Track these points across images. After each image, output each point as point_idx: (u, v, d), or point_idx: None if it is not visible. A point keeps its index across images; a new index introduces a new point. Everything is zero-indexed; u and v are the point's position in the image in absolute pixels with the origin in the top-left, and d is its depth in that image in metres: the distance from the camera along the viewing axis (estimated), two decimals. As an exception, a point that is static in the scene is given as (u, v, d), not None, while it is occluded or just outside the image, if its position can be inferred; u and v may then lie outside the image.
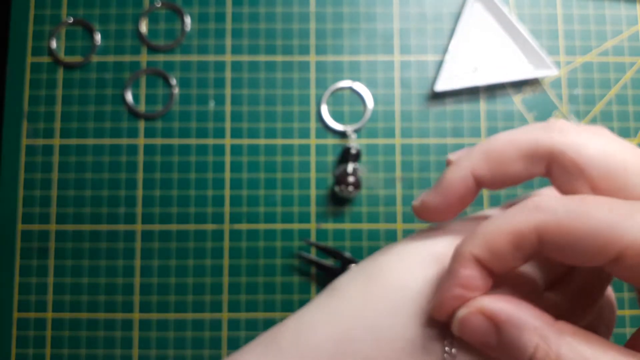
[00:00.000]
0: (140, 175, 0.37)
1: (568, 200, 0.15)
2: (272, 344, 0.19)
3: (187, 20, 0.38)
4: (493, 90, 0.38)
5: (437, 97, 0.38)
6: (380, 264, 0.20)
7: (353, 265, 0.35)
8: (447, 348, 0.17)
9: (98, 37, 0.38)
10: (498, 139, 0.18)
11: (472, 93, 0.38)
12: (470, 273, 0.16)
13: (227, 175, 0.37)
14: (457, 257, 0.17)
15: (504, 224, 0.16)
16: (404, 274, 0.19)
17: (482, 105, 0.38)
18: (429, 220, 0.20)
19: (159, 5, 0.38)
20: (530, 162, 0.18)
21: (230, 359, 0.19)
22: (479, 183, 0.18)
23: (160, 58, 0.38)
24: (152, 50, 0.38)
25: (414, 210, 0.20)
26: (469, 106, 0.38)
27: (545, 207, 0.16)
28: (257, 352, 0.19)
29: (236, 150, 0.37)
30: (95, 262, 0.36)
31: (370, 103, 0.37)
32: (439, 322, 0.17)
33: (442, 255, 0.19)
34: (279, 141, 0.37)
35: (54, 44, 0.38)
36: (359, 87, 0.37)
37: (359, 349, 0.18)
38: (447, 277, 0.17)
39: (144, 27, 0.38)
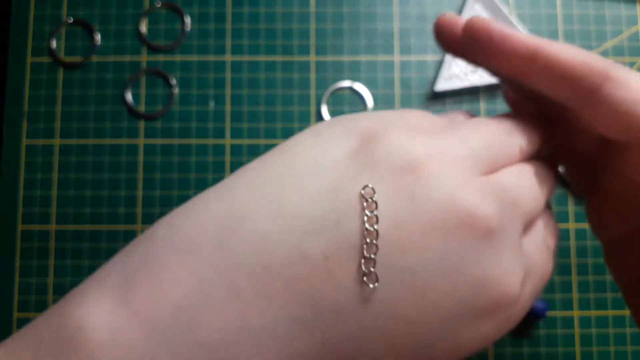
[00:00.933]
0: (140, 175, 0.37)
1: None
2: (149, 239, 0.15)
3: (187, 20, 0.38)
4: (493, 90, 0.38)
5: (437, 97, 0.38)
6: (293, 141, 0.17)
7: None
8: (368, 213, 0.14)
9: (98, 37, 0.38)
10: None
11: (472, 93, 0.38)
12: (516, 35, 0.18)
13: (228, 175, 0.37)
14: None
15: (588, 55, 0.17)
16: (316, 148, 0.16)
17: (482, 105, 0.38)
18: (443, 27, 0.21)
19: (159, 5, 0.38)
20: (574, 85, 0.17)
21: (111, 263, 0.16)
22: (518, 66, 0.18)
23: (160, 58, 0.38)
24: (152, 50, 0.38)
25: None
26: (469, 106, 0.38)
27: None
28: (131, 249, 0.16)
29: (236, 150, 0.37)
30: (95, 262, 0.36)
31: (370, 103, 0.37)
32: (356, 198, 0.15)
33: (363, 130, 0.17)
34: (279, 141, 0.37)
35: (54, 44, 0.38)
36: (359, 87, 0.38)
37: (253, 226, 0.15)
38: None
39: (144, 27, 0.38)
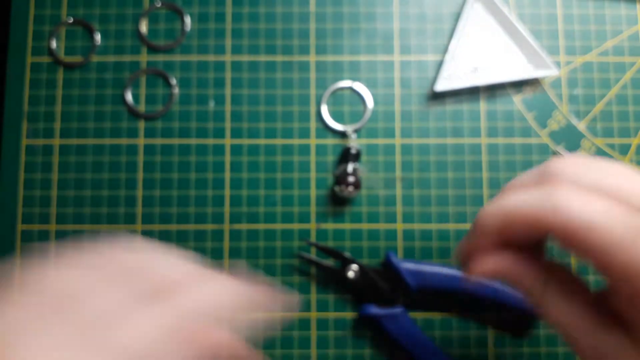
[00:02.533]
0: (140, 175, 0.37)
1: (585, 212, 0.19)
2: None
3: (187, 20, 0.38)
4: (493, 90, 0.38)
5: (437, 97, 0.38)
6: None
7: (354, 265, 0.35)
8: None
9: (98, 37, 0.38)
10: (511, 213, 0.21)
11: (472, 93, 0.38)
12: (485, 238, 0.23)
13: (227, 175, 0.37)
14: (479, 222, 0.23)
15: (525, 209, 0.21)
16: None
17: (482, 105, 0.38)
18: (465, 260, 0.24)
19: (159, 5, 0.38)
20: (537, 235, 0.21)
21: None
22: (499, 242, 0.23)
23: (160, 58, 0.38)
24: (152, 50, 0.38)
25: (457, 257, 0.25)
26: (469, 106, 0.38)
27: (562, 210, 0.20)
28: None
29: (236, 150, 0.37)
30: (95, 262, 0.36)
31: (370, 103, 0.37)
32: None
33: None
34: (279, 141, 0.37)
35: (54, 44, 0.38)
36: (359, 87, 0.37)
37: None
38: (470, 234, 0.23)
39: (144, 27, 0.38)
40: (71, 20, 0.38)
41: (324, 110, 0.37)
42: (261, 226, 0.36)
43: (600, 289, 0.22)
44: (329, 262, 0.35)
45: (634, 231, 0.19)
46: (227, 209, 0.37)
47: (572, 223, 0.19)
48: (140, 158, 0.37)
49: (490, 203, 0.23)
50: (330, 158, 0.37)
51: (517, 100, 0.38)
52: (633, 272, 0.19)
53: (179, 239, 0.36)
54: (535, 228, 0.21)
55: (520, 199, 0.21)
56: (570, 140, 0.37)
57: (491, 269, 0.23)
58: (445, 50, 0.38)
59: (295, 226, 0.36)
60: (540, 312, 0.23)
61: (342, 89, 0.38)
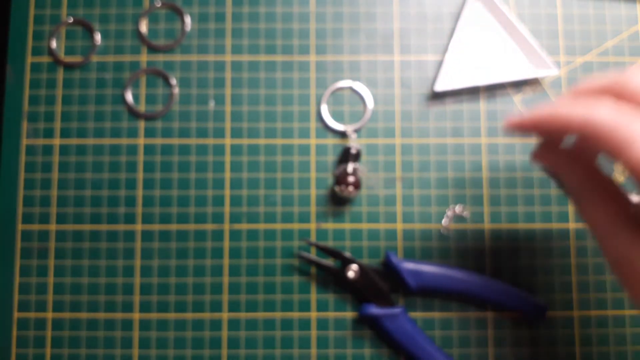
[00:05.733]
0: (140, 175, 0.37)
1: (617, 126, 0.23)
2: None
3: (187, 20, 0.38)
4: (493, 90, 0.38)
5: (437, 97, 0.38)
6: None
7: (354, 265, 0.35)
8: None
9: (98, 37, 0.38)
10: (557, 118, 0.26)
11: (472, 93, 0.38)
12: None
13: (227, 175, 0.37)
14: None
15: (573, 114, 0.25)
16: None
17: (482, 105, 0.38)
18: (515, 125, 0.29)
19: (159, 5, 0.38)
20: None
21: None
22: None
23: (160, 58, 0.38)
24: (152, 50, 0.38)
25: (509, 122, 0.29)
26: (469, 106, 0.38)
27: (596, 121, 0.23)
28: None
29: (236, 150, 0.37)
30: (95, 262, 0.36)
31: (370, 103, 0.37)
32: None
33: None
34: (279, 141, 0.37)
35: (54, 43, 0.38)
36: (359, 87, 0.37)
37: None
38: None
39: (144, 27, 0.38)
40: (71, 20, 0.38)
41: (324, 110, 0.37)
42: (261, 226, 0.36)
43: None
44: (329, 262, 0.35)
45: None
46: (227, 209, 0.37)
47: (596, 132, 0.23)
48: (140, 158, 0.37)
49: (555, 103, 0.27)
50: (330, 158, 0.37)
51: (517, 100, 0.38)
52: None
53: (179, 239, 0.36)
54: (565, 131, 0.25)
55: (569, 110, 0.25)
56: (571, 140, 0.37)
57: (545, 161, 0.29)
58: (445, 50, 0.38)
59: (295, 226, 0.36)
60: (575, 208, 0.28)
61: (342, 89, 0.38)
